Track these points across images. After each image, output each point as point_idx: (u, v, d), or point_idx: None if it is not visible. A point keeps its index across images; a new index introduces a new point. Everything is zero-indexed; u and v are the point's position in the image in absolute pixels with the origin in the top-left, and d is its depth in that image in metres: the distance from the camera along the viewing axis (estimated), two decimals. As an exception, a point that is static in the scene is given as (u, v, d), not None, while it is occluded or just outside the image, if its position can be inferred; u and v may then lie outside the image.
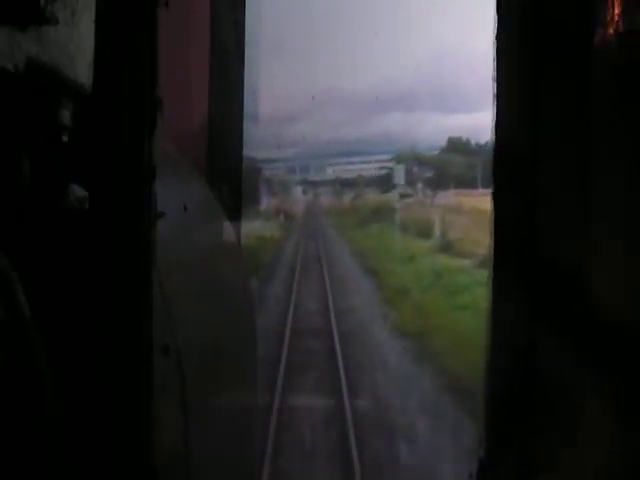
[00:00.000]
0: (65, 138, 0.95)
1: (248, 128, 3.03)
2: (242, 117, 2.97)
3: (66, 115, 0.95)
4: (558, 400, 1.15)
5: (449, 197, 32.64)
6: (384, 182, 45.09)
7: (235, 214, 2.66)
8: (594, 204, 1.12)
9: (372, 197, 45.90)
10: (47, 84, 0.91)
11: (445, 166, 37.40)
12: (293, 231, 37.73)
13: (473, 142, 37.66)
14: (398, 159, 42.36)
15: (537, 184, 1.15)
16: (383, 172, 46.01)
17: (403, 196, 38.18)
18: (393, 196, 40.86)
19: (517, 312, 1.16)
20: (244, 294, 2.26)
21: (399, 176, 37.80)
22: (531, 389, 1.16)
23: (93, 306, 0.98)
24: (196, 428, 1.34)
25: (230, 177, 2.83)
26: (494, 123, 1.15)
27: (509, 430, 1.18)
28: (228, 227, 2.26)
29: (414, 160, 39.72)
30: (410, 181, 39.48)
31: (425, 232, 26.54)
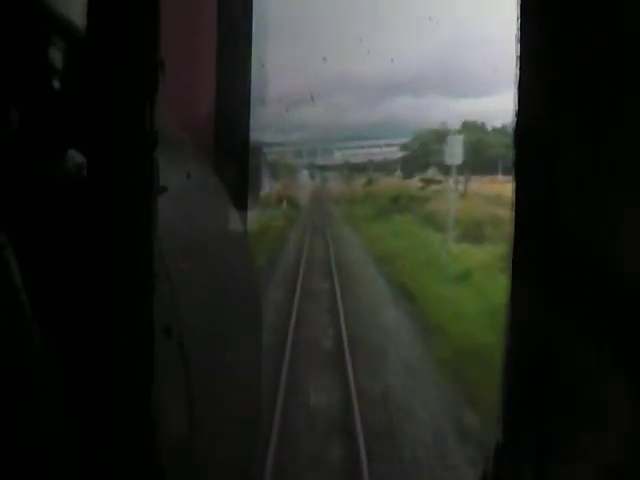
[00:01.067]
0: (54, 87, 0.88)
1: (255, 111, 3.01)
2: (249, 100, 2.95)
3: (57, 59, 0.88)
4: (577, 385, 1.14)
5: (484, 184, 27.43)
6: (404, 165, 41.05)
7: (241, 199, 2.65)
8: (617, 189, 1.10)
9: (387, 182, 41.45)
10: (33, 18, 0.84)
11: (480, 149, 31.97)
12: (297, 224, 30.45)
13: (489, 126, 36.51)
14: (420, 139, 37.51)
15: (559, 168, 1.12)
16: (403, 154, 42.29)
17: (428, 182, 30.87)
18: (414, 182, 34.94)
19: (537, 298, 1.14)
20: (250, 278, 2.25)
21: (454, 152, 22.65)
22: (550, 373, 1.15)
23: (92, 282, 0.93)
24: (200, 410, 1.33)
25: (237, 162, 2.81)
26: (516, 105, 1.12)
27: (527, 413, 1.18)
28: (234, 212, 2.25)
29: (438, 140, 32.26)
30: (435, 165, 32.47)
31: (472, 232, 18.60)
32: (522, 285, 1.16)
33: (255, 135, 3.01)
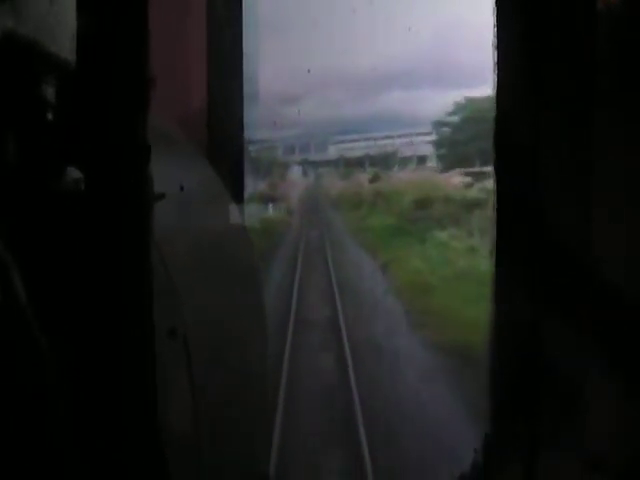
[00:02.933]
0: (50, 116, 0.93)
1: (247, 108, 3.02)
2: (242, 98, 2.96)
3: (49, 92, 0.93)
4: (564, 378, 1.16)
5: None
6: (440, 155, 31.23)
7: (237, 196, 2.66)
8: (597, 184, 1.11)
9: (401, 178, 30.34)
10: (26, 59, 0.89)
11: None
12: (282, 243, 19.69)
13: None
14: (464, 112, 26.91)
15: (539, 159, 1.14)
16: (435, 138, 32.08)
17: (475, 176, 19.41)
18: (446, 178, 22.88)
19: (521, 291, 1.16)
20: (252, 276, 2.26)
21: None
22: (537, 367, 1.17)
23: (93, 290, 0.97)
24: (204, 411, 1.34)
25: (231, 159, 2.82)
26: (495, 93, 1.13)
27: (515, 407, 1.19)
28: (233, 208, 2.26)
29: (476, 126, 23.03)
30: (479, 157, 22.01)
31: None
32: (506, 282, 1.18)
33: (248, 133, 3.02)
